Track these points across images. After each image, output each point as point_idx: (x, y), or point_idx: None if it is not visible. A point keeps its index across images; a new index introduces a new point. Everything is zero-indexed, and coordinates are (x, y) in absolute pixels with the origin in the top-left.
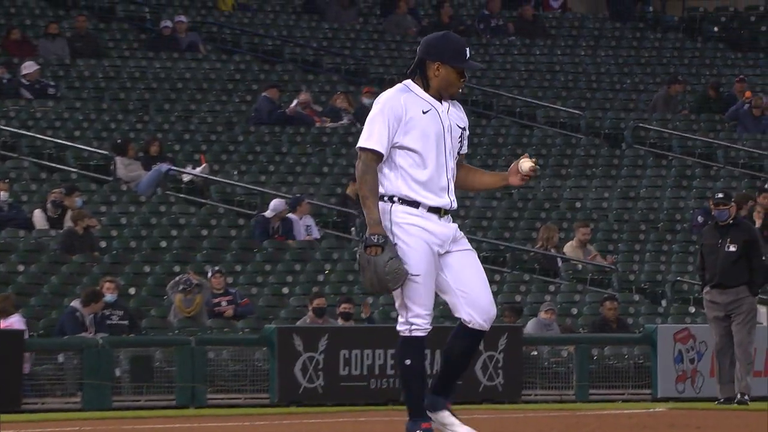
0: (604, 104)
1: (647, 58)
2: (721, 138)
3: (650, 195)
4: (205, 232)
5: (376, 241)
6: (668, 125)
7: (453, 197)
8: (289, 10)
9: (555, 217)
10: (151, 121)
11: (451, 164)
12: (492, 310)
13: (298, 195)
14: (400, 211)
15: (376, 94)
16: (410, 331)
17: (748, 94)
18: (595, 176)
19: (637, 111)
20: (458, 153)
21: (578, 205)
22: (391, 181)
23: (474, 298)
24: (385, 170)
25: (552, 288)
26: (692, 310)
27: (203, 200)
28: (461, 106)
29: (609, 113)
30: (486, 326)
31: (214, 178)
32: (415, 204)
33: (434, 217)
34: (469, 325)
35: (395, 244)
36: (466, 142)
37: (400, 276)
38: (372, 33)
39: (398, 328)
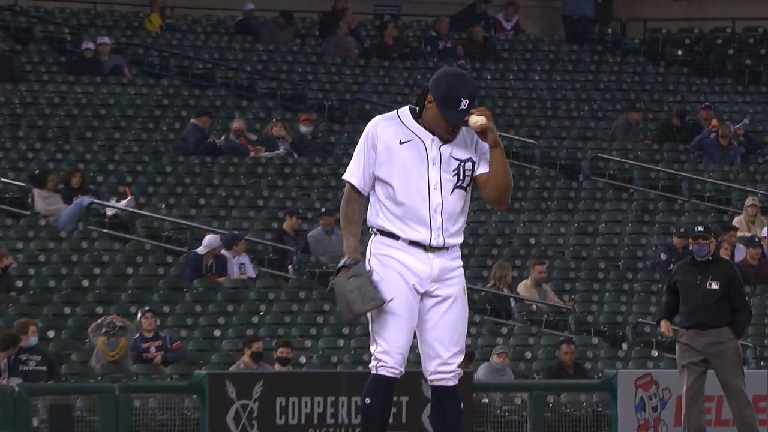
0: (559, 133)
1: (606, 83)
2: (686, 169)
3: (610, 230)
4: (130, 270)
5: (344, 262)
6: (629, 155)
7: (438, 233)
8: (221, 31)
9: (508, 254)
10: (71, 151)
11: (437, 198)
12: (448, 355)
13: (235, 232)
14: (377, 242)
15: (314, 122)
16: (377, 368)
17: (714, 122)
18: (550, 210)
19: (595, 140)
20: (461, 186)
21: (533, 241)
22: (372, 212)
23: (437, 350)
24: (371, 200)
25: (504, 330)
26: (655, 353)
27: (128, 236)
28: (466, 131)
29: (565, 142)
30: (445, 376)
31: (140, 211)
32: (393, 236)
33: (417, 251)
34: (429, 380)
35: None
36: (470, 173)
37: (366, 296)
38: (310, 55)
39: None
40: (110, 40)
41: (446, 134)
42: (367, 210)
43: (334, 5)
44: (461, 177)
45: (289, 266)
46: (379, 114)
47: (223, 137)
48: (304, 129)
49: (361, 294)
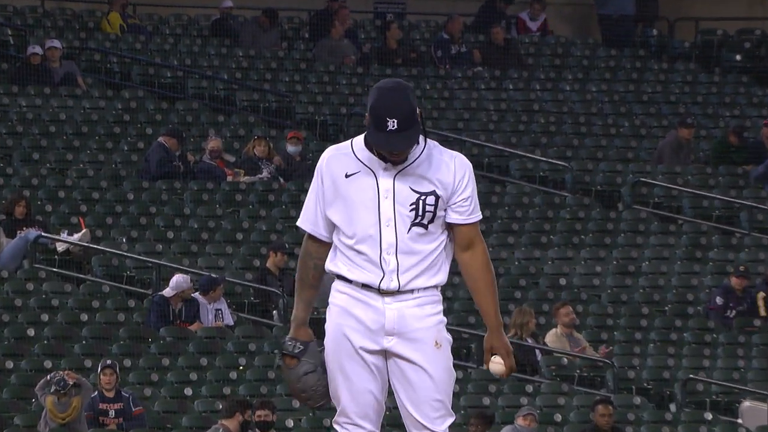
0: (595, 153)
1: (650, 95)
2: (745, 196)
3: (654, 269)
4: (84, 317)
5: (290, 349)
6: (677, 180)
7: (392, 276)
8: (193, 33)
9: (533, 297)
10: (15, 175)
11: (390, 236)
12: (429, 423)
13: (213, 275)
14: (333, 289)
15: (303, 140)
16: (339, 424)
17: None
18: (584, 245)
19: (637, 162)
20: (420, 223)
21: (562, 281)
22: (328, 258)
23: (415, 418)
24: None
25: (530, 388)
26: (709, 416)
27: (83, 276)
28: (453, 163)
29: (602, 165)
30: None
31: (97, 247)
32: (345, 279)
33: (372, 295)
34: None
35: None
36: (442, 212)
37: (317, 395)
38: (299, 62)
39: None
40: (61, 43)
41: (390, 157)
42: (323, 266)
43: (327, 3)
44: (420, 213)
45: (274, 312)
46: None
47: (195, 158)
48: (291, 149)
49: (313, 394)
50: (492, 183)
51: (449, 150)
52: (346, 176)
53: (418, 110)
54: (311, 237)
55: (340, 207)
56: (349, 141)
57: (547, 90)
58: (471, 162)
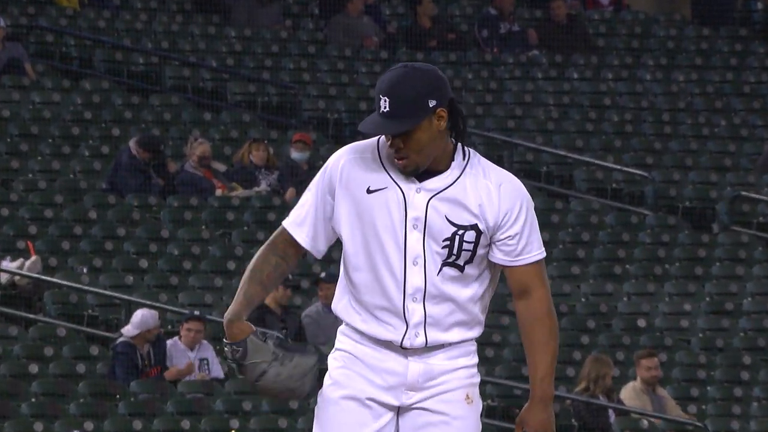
0: (682, 160)
1: (753, 86)
2: None
3: (759, 306)
4: (34, 368)
5: (231, 358)
6: None
7: (417, 331)
8: (172, 8)
9: (605, 342)
10: None
11: (417, 279)
12: None
13: (195, 312)
14: (340, 332)
15: (312, 144)
16: None
17: None
18: (669, 276)
19: (736, 171)
20: (454, 263)
21: (642, 323)
22: (336, 290)
23: None
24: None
25: None
26: None
27: (32, 315)
28: (499, 192)
29: (691, 174)
30: None
31: (50, 278)
32: (356, 330)
33: (392, 350)
34: None
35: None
36: (484, 249)
37: (284, 388)
38: (306, 44)
39: None
40: (3, 21)
41: (395, 158)
42: (287, 272)
43: None
44: (455, 251)
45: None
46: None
47: (176, 166)
48: (296, 155)
49: (283, 383)
50: (552, 198)
51: (499, 169)
52: (369, 192)
53: (438, 109)
54: (285, 236)
55: (355, 232)
56: (375, 141)
57: (622, 80)
58: (524, 170)
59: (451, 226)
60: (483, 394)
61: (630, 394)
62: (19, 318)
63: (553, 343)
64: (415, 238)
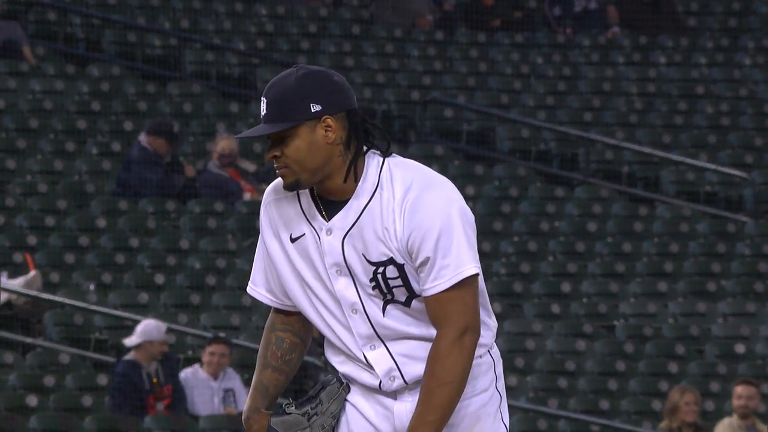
0: None
1: None
2: None
3: None
4: (33, 400)
5: None
6: None
7: (390, 374)
8: None
9: (696, 371)
10: None
11: (364, 328)
12: None
13: (220, 334)
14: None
15: None
16: None
17: None
18: None
19: None
20: (393, 300)
21: (740, 349)
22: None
23: None
24: None
25: None
26: None
27: (31, 339)
28: (402, 206)
29: None
30: None
31: (52, 296)
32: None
33: (372, 394)
34: None
35: None
36: (400, 281)
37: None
38: (349, 24)
39: None
40: None
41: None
42: (299, 343)
43: None
44: (384, 290)
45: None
46: (456, 133)
47: (197, 167)
48: None
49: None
50: (634, 203)
51: (410, 174)
52: (292, 240)
53: (323, 116)
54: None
55: (293, 285)
56: None
57: (717, 65)
58: (603, 171)
59: (369, 265)
60: (554, 430)
61: (726, 430)
62: (15, 343)
63: (440, 392)
64: (343, 285)
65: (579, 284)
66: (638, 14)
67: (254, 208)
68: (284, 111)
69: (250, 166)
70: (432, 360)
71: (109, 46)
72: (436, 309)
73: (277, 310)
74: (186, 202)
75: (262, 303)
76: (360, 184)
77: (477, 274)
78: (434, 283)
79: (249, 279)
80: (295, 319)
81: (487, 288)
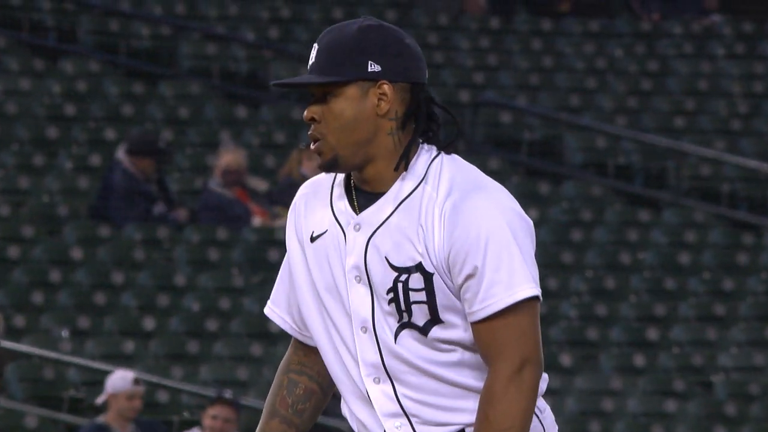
0: None
1: None
2: None
3: None
4: None
5: None
6: None
7: (400, 422)
8: None
9: None
10: None
11: (371, 354)
12: None
13: (221, 393)
14: None
15: None
16: None
17: None
18: None
19: None
20: (412, 323)
21: None
22: None
23: None
24: None
25: None
26: None
27: None
28: (442, 206)
29: None
30: None
31: (15, 345)
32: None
33: None
34: None
35: None
36: (449, 295)
37: None
38: (383, 8)
39: None
40: None
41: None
42: (317, 389)
43: None
44: (402, 306)
45: None
46: (514, 143)
47: (195, 183)
48: None
49: None
50: (738, 229)
51: (460, 173)
52: (312, 240)
53: (381, 81)
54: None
55: (306, 297)
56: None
57: None
58: (700, 190)
59: (391, 271)
60: None
61: None
62: None
63: None
64: (359, 295)
65: (668, 330)
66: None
67: (265, 235)
68: (336, 62)
69: (260, 185)
70: (484, 403)
71: (85, 36)
72: (487, 338)
73: (297, 344)
74: (182, 228)
75: (275, 351)
76: (406, 174)
77: (537, 297)
78: (483, 305)
79: (259, 319)
80: (315, 359)
81: (554, 334)
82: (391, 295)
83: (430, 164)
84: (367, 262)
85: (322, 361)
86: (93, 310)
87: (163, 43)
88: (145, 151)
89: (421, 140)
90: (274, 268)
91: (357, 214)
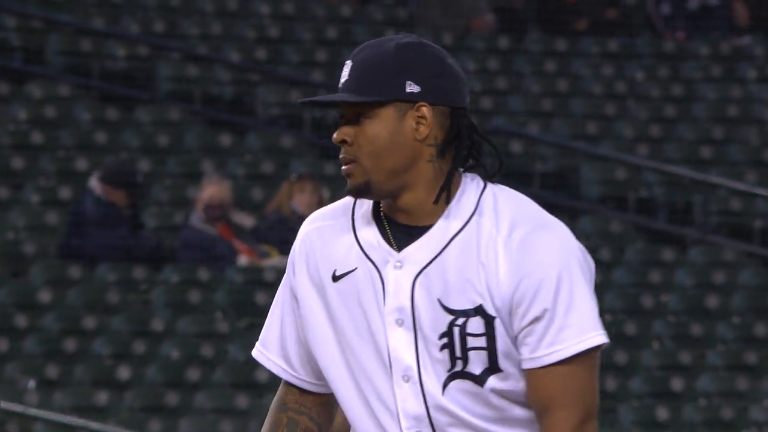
0: None
1: None
2: None
3: None
4: None
5: None
6: None
7: None
8: None
9: None
10: None
11: (414, 406)
12: None
13: None
14: None
15: None
16: None
17: None
18: None
19: None
20: (466, 372)
21: None
22: None
23: None
24: None
25: None
26: None
27: None
28: (507, 245)
29: None
30: None
31: None
32: None
33: None
34: None
35: None
36: (486, 345)
37: None
38: (381, 27)
39: None
40: None
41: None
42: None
43: None
44: (458, 353)
45: None
46: (526, 174)
47: (175, 219)
48: None
49: None
50: None
51: (521, 207)
52: (335, 279)
53: (419, 102)
54: (284, 380)
55: (327, 344)
56: (351, 201)
57: None
58: (731, 227)
59: (446, 314)
60: None
61: None
62: None
63: None
64: (400, 339)
65: (694, 380)
66: None
67: (252, 276)
68: (372, 82)
69: (246, 221)
70: None
71: (54, 57)
72: (549, 387)
73: (289, 385)
74: (160, 268)
75: (262, 403)
76: (452, 204)
77: (601, 346)
78: (550, 350)
79: (245, 368)
80: (312, 400)
81: None
82: (445, 340)
83: (480, 196)
84: (415, 305)
85: (320, 402)
86: (62, 358)
87: (140, 65)
88: (118, 182)
89: (462, 169)
90: (261, 312)
91: (395, 250)
